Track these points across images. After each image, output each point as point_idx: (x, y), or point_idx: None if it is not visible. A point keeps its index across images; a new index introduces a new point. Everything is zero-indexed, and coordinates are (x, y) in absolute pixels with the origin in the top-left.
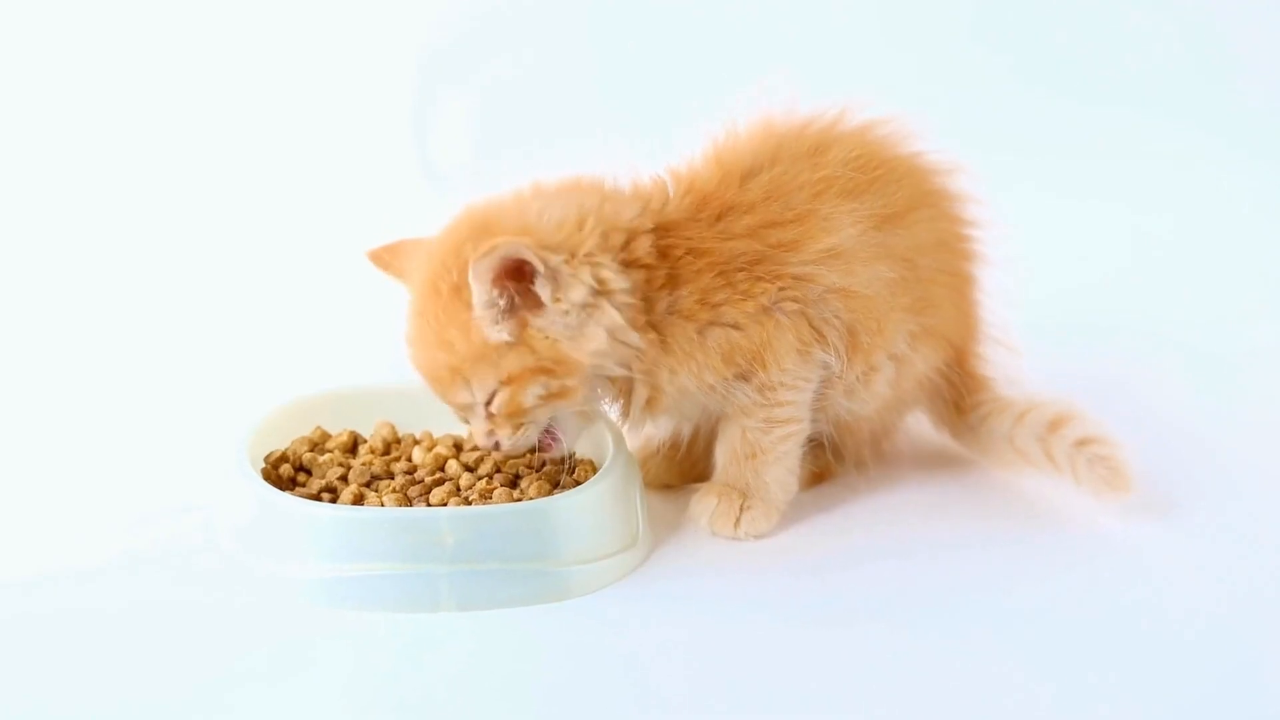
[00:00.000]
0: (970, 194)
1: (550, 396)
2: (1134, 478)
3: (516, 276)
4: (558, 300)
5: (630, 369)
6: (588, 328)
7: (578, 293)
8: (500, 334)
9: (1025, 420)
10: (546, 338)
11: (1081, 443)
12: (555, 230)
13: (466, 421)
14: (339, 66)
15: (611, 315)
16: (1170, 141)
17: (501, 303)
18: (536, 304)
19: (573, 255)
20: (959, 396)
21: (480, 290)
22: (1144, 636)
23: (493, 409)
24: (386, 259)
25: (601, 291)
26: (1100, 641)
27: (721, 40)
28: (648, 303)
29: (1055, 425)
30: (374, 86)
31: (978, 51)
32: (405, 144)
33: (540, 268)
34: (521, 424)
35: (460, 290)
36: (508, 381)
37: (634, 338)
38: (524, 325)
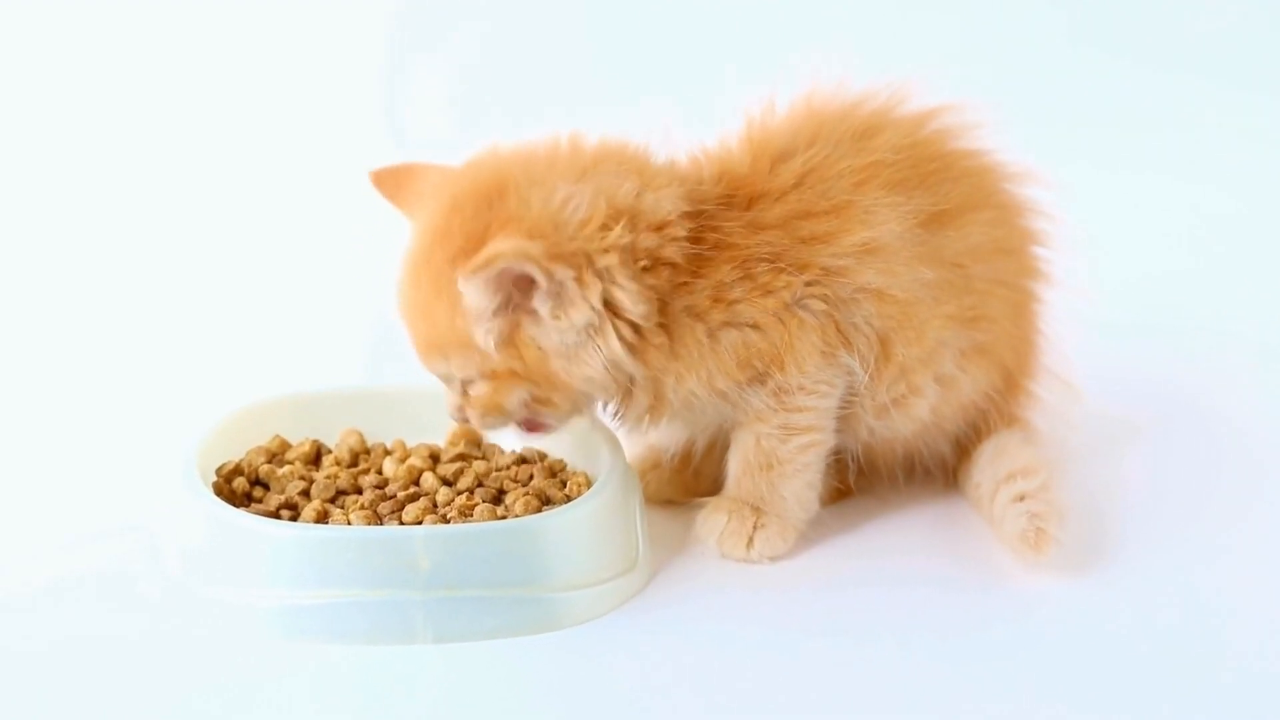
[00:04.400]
0: (1040, 206)
1: (534, 404)
2: (1054, 542)
3: (519, 280)
4: (557, 318)
5: (632, 383)
6: (584, 351)
7: (581, 315)
8: (487, 340)
9: (995, 464)
10: (539, 349)
11: (1022, 496)
12: (578, 230)
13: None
14: (301, 41)
15: (613, 344)
16: (1236, 114)
17: (496, 302)
18: (535, 311)
19: (590, 263)
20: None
21: (471, 297)
22: (1195, 669)
23: (471, 393)
24: (392, 185)
25: (609, 315)
26: (1132, 673)
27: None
28: (663, 302)
29: (1012, 476)
30: (340, 58)
31: (1024, 12)
32: (374, 117)
33: (544, 284)
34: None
35: (457, 265)
36: (490, 377)
37: (636, 366)
38: (517, 327)
